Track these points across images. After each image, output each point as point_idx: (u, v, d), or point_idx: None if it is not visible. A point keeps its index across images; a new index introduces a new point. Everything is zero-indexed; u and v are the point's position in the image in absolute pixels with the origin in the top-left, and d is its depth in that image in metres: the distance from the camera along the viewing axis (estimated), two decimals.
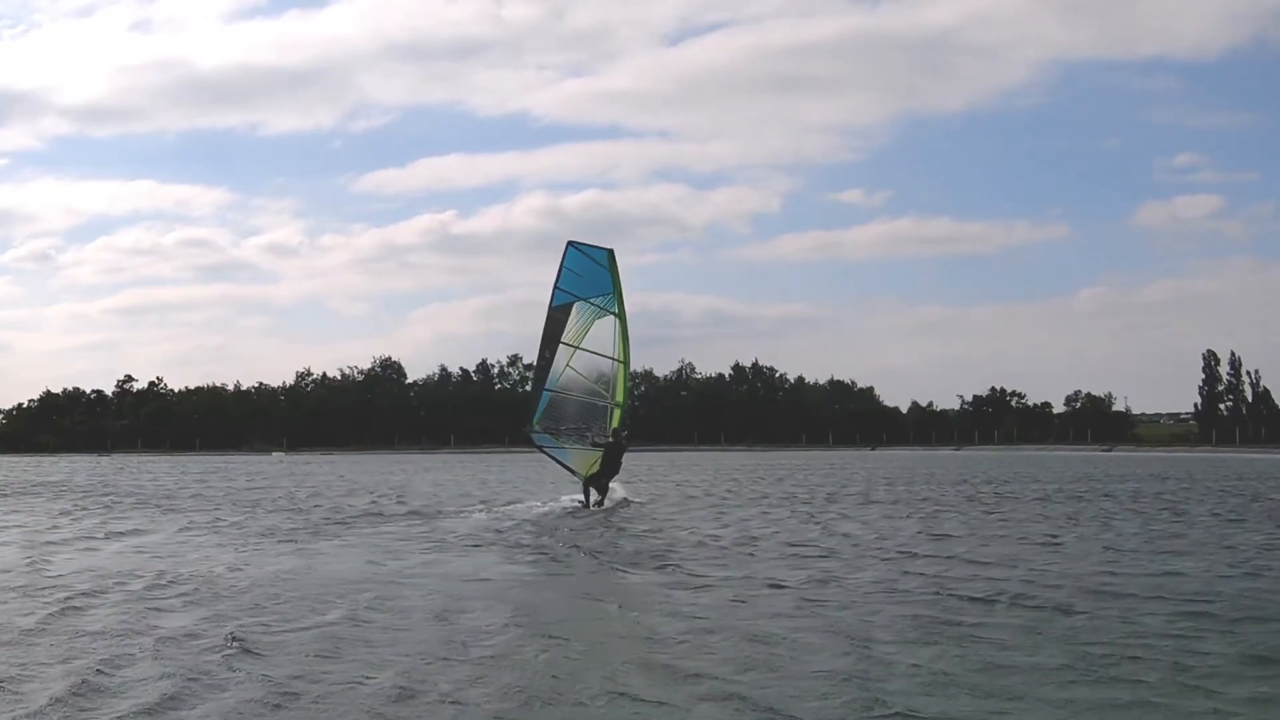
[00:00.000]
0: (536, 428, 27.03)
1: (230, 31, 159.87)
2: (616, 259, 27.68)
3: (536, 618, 11.35)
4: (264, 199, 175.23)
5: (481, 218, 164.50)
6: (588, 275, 27.14)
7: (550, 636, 10.29)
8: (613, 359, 27.36)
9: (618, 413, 27.05)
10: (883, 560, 15.77)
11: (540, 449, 27.64)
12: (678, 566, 15.19)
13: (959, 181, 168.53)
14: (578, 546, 17.87)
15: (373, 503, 29.79)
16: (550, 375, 26.93)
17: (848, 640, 9.99)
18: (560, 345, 26.87)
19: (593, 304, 27.15)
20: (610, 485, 26.27)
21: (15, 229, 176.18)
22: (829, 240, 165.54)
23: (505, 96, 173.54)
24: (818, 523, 22.40)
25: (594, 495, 25.89)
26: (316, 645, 9.89)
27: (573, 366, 27.04)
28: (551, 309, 27.03)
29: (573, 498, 27.08)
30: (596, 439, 26.53)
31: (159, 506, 28.50)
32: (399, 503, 29.45)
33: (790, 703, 7.89)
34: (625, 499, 27.02)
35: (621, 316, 27.38)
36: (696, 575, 14.34)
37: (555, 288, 27.04)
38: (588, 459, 26.41)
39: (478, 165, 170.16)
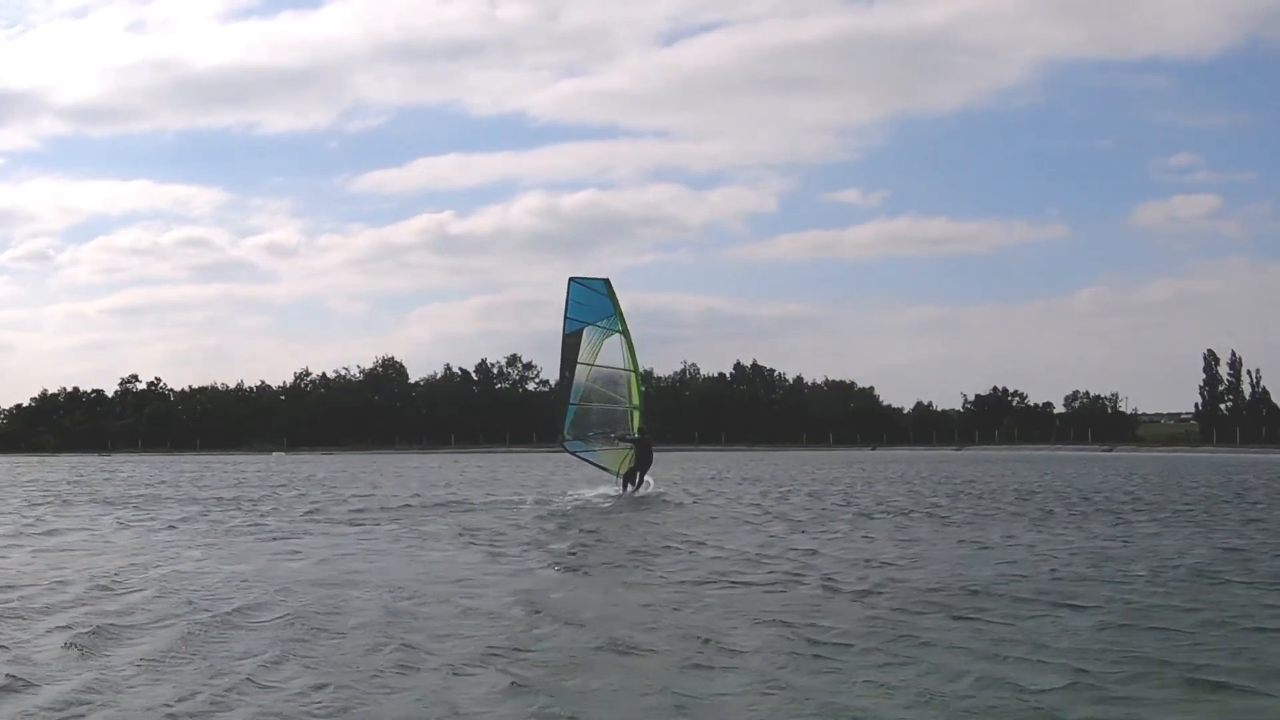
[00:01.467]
0: (568, 437, 31.63)
1: (225, 32, 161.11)
2: (613, 286, 32.19)
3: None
4: (261, 199, 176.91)
5: (479, 218, 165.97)
6: (590, 303, 31.66)
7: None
8: (625, 370, 31.85)
9: (637, 414, 31.61)
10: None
11: (574, 454, 32.37)
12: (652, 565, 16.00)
13: (955, 182, 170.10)
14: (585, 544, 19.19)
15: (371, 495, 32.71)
16: (573, 391, 31.50)
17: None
18: (578, 365, 31.36)
19: (599, 326, 31.62)
20: (647, 479, 31.17)
21: (13, 229, 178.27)
22: (827, 240, 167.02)
23: (500, 97, 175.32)
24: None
25: (629, 486, 30.72)
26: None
27: (591, 381, 31.52)
28: (565, 336, 31.50)
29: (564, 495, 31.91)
30: (620, 435, 31.31)
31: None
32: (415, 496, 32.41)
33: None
34: (650, 491, 31.45)
35: (625, 333, 31.78)
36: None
37: (565, 317, 31.60)
38: (619, 456, 31.28)
39: (475, 165, 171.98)
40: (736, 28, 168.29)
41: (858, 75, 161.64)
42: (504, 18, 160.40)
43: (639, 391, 31.86)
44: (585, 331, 31.47)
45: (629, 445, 31.22)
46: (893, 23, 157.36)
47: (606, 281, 32.11)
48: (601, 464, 31.82)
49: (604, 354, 31.58)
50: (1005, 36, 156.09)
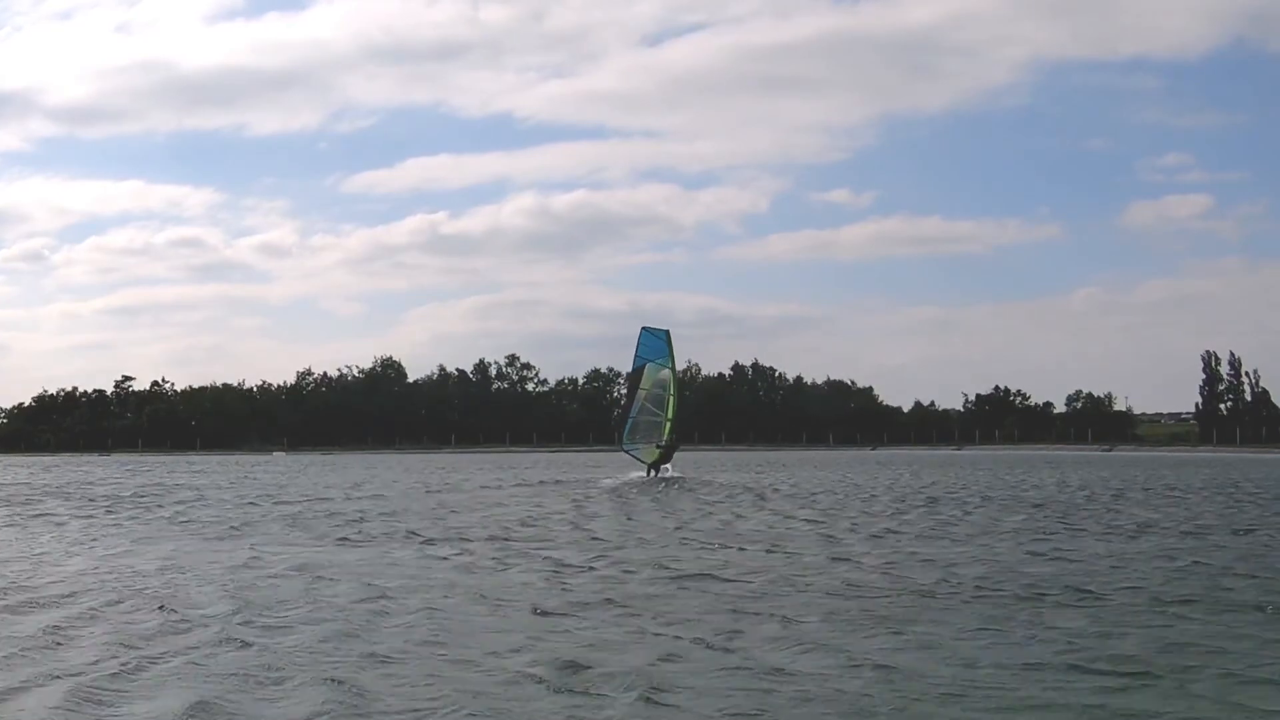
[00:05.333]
0: (627, 441, 46.20)
1: (212, 33, 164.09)
2: (671, 336, 46.65)
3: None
4: (254, 199, 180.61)
5: (472, 218, 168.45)
6: (654, 346, 46.15)
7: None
8: (667, 393, 45.85)
9: (669, 425, 45.96)
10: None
11: (627, 452, 46.93)
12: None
13: (946, 181, 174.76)
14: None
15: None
16: (634, 407, 45.89)
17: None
18: (639, 390, 45.72)
19: (656, 363, 45.88)
20: (664, 468, 45.51)
21: (7, 229, 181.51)
22: (820, 240, 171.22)
23: (487, 98, 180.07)
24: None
25: (653, 473, 44.90)
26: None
27: (645, 401, 45.60)
28: (634, 368, 46.45)
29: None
30: (658, 443, 45.80)
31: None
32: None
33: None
34: (664, 479, 44.70)
35: (673, 369, 46.18)
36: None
37: (635, 355, 46.15)
38: (652, 453, 45.71)
39: (466, 166, 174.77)
40: (722, 28, 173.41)
41: (845, 75, 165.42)
42: (489, 19, 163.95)
43: (675, 407, 46.22)
44: (646, 366, 45.75)
45: (660, 447, 45.67)
46: (878, 23, 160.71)
47: (667, 332, 46.63)
48: (641, 458, 46.14)
49: (655, 382, 45.65)
50: (990, 36, 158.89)
